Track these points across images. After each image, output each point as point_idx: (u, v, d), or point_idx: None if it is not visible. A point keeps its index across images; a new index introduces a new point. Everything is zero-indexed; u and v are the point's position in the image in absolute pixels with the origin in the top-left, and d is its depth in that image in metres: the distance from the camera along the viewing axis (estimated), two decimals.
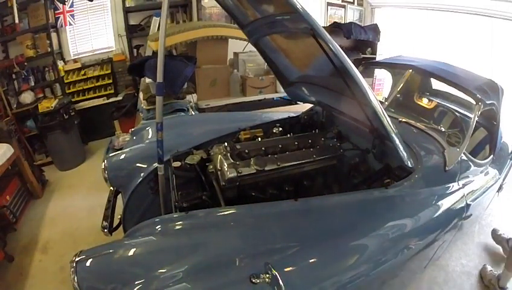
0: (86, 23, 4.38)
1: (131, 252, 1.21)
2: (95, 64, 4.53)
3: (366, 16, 5.41)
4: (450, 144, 1.80)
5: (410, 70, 2.23)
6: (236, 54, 3.84)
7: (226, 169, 1.56)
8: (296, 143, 1.88)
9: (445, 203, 1.61)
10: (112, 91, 4.64)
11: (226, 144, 1.77)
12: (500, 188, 2.48)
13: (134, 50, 4.62)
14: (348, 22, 5.06)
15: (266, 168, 1.61)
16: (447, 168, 1.70)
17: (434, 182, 1.64)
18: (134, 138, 2.38)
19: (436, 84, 2.78)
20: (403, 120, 2.00)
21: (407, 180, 1.56)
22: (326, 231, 1.28)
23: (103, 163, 2.00)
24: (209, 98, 3.62)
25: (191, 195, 1.53)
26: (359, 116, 1.77)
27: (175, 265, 1.09)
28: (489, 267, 2.31)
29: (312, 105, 2.47)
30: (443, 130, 2.00)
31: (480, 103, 1.89)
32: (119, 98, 4.60)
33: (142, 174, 1.93)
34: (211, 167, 1.74)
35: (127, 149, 2.15)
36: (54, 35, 4.09)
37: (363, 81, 1.30)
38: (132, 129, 2.57)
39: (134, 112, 4.06)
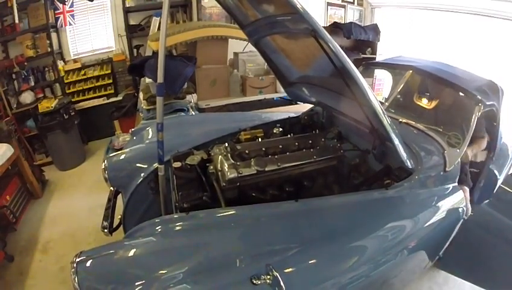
0: (86, 23, 4.38)
1: (131, 253, 1.21)
2: (95, 64, 4.53)
3: (366, 16, 5.41)
4: (450, 145, 1.80)
5: (411, 71, 2.23)
6: (236, 54, 3.83)
7: (227, 170, 1.56)
8: (296, 144, 1.88)
9: (445, 204, 1.61)
10: (112, 91, 4.64)
11: (226, 144, 1.77)
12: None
13: (134, 50, 4.63)
14: (348, 22, 5.06)
15: (267, 169, 1.61)
16: (447, 169, 1.70)
17: (434, 183, 1.64)
18: (135, 138, 2.38)
19: None
20: (403, 121, 2.00)
21: (407, 181, 1.56)
22: (327, 232, 1.29)
23: (103, 163, 2.00)
24: (209, 98, 3.61)
25: (191, 196, 1.53)
26: (359, 116, 1.77)
27: (175, 266, 1.10)
28: None
29: (312, 105, 2.47)
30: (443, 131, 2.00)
31: (480, 104, 1.89)
32: (119, 98, 4.60)
33: (142, 174, 1.93)
34: (212, 167, 1.74)
35: (127, 149, 2.16)
36: (54, 35, 4.10)
37: (364, 82, 1.30)
38: (132, 129, 2.57)
39: (134, 112, 4.06)
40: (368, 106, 1.41)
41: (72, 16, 4.23)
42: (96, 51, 4.57)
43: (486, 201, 1.85)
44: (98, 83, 4.53)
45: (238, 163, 1.62)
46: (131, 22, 4.55)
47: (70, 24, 4.26)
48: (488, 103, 1.93)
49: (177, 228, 1.30)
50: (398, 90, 2.24)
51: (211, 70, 3.54)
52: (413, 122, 1.98)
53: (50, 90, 4.34)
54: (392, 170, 1.66)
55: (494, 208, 1.75)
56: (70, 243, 2.73)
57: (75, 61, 4.44)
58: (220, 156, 1.65)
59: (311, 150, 1.83)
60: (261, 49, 2.00)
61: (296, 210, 1.37)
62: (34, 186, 3.37)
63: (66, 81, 4.32)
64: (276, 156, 1.73)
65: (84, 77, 4.42)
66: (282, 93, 3.70)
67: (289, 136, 2.00)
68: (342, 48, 1.31)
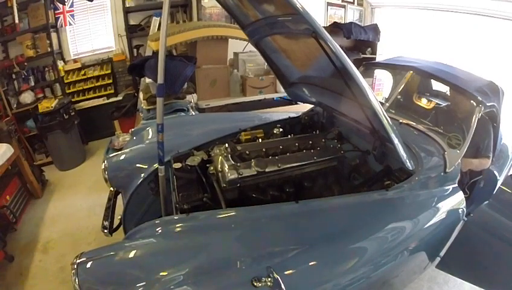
0: (86, 23, 4.38)
1: (132, 255, 1.21)
2: (95, 64, 4.53)
3: (366, 16, 5.41)
4: (451, 146, 1.79)
5: (411, 72, 2.23)
6: (236, 54, 3.83)
7: (227, 170, 1.56)
8: (296, 144, 1.88)
9: (445, 205, 1.61)
10: (112, 91, 4.64)
11: (226, 145, 1.77)
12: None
13: (134, 50, 4.62)
14: (348, 22, 5.06)
15: (267, 170, 1.61)
16: (447, 170, 1.70)
17: (434, 184, 1.64)
18: (135, 138, 2.37)
19: (436, 85, 2.77)
20: (404, 122, 2.00)
21: (408, 182, 1.56)
22: (327, 233, 1.28)
23: (103, 163, 2.00)
24: (209, 98, 3.61)
25: (191, 197, 1.53)
26: (360, 117, 1.77)
27: (176, 268, 1.10)
28: None
29: (312, 105, 2.46)
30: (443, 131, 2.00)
31: (480, 105, 1.89)
32: (119, 98, 4.60)
33: (142, 174, 1.93)
34: (212, 168, 1.74)
35: (127, 149, 2.15)
36: (54, 35, 4.09)
37: (364, 83, 1.30)
38: (132, 129, 2.57)
39: (134, 112, 4.06)
40: (368, 107, 1.41)
41: (72, 16, 4.22)
42: (96, 51, 4.57)
43: (486, 202, 1.85)
44: (98, 83, 4.52)
45: (238, 164, 1.62)
46: (131, 22, 4.55)
47: (70, 24, 4.25)
48: (488, 104, 1.93)
49: (178, 229, 1.30)
50: (399, 90, 2.24)
51: (211, 70, 3.54)
52: (413, 123, 1.98)
53: (50, 90, 4.33)
54: (392, 170, 1.66)
55: (494, 209, 1.75)
56: (70, 243, 2.73)
57: (75, 61, 4.44)
58: (220, 157, 1.65)
59: (312, 150, 1.83)
60: (261, 49, 2.00)
61: (296, 211, 1.37)
62: (34, 186, 3.37)
63: (66, 81, 4.32)
64: (276, 157, 1.73)
65: (84, 77, 4.42)
66: (282, 93, 3.71)
67: (289, 136, 2.00)
68: (342, 48, 1.31)
